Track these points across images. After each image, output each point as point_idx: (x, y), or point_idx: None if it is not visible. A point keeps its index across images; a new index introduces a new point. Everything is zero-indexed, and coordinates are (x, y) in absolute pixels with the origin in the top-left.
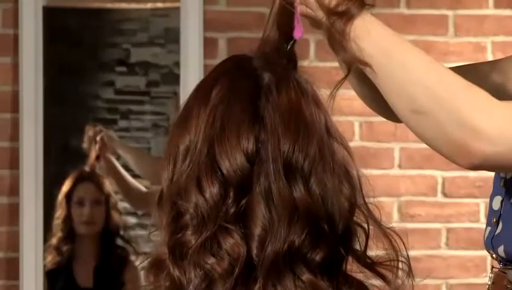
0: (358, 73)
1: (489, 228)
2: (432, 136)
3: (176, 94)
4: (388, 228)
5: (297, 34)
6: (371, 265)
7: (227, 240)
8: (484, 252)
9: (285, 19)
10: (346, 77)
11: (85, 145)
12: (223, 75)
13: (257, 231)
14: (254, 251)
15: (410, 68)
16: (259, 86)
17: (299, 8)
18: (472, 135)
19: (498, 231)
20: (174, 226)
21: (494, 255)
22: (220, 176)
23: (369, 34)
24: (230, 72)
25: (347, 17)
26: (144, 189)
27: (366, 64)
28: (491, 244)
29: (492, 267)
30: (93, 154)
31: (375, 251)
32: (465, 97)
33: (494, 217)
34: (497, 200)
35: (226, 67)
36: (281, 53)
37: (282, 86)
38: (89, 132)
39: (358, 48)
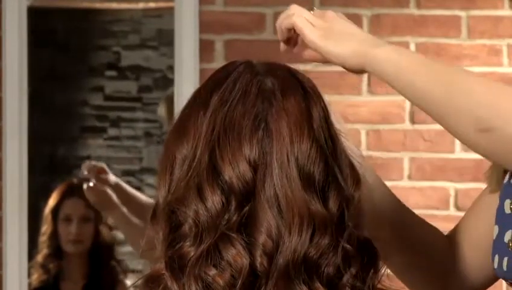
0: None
1: (506, 258)
2: (505, 151)
3: (168, 97)
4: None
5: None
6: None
7: (229, 250)
8: None
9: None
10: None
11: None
12: (223, 79)
13: (261, 239)
14: (258, 261)
15: (471, 91)
16: (262, 90)
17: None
18: None
19: None
20: (172, 237)
21: None
22: (222, 184)
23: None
24: (232, 76)
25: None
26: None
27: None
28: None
29: None
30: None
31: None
32: None
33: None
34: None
35: (227, 71)
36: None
37: (286, 91)
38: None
39: (411, 85)
